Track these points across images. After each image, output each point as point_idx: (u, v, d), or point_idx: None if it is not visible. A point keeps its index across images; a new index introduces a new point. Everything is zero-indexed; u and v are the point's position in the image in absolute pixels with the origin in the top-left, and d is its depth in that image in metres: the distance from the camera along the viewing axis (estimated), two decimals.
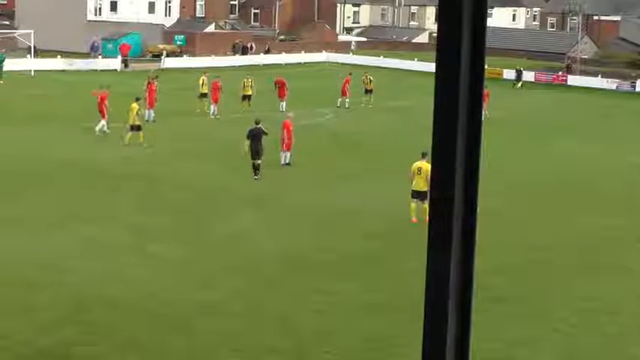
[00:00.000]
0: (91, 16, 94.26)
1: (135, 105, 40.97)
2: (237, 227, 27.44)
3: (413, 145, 38.92)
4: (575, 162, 40.68)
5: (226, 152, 38.70)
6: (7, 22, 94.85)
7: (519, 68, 76.82)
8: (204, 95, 50.87)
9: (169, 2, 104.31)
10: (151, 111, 47.16)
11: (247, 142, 34.15)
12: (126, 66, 76.40)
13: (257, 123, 34.65)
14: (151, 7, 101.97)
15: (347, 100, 55.81)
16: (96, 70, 73.28)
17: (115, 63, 76.74)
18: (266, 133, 34.36)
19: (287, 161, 36.81)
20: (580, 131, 50.60)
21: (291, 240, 26.35)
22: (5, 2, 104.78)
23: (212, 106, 49.80)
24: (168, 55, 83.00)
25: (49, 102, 53.44)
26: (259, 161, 34.09)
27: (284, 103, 51.59)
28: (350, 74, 57.89)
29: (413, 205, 28.33)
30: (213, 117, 48.84)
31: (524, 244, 26.80)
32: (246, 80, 52.39)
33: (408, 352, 17.60)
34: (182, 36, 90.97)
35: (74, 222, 27.12)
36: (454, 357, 2.62)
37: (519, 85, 73.71)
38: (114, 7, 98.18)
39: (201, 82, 51.21)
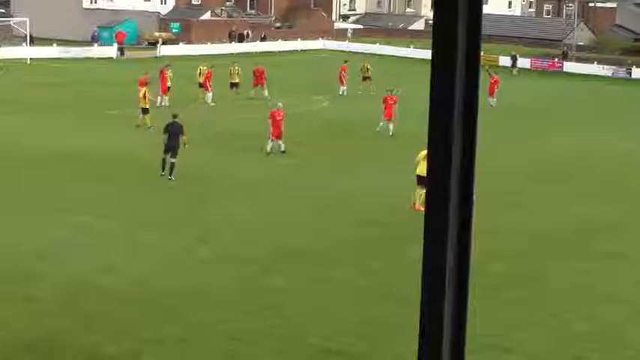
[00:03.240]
0: (86, 4, 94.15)
1: (143, 89, 42.06)
2: (231, 214, 27.41)
3: (409, 132, 38.99)
4: (570, 149, 40.67)
5: (221, 139, 38.81)
6: (3, 10, 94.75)
7: (514, 54, 76.84)
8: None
9: None
10: (165, 97, 47.71)
11: (164, 137, 31.78)
12: (122, 54, 76.27)
13: (174, 117, 32.47)
14: None
15: (344, 88, 55.88)
16: (92, 58, 73.17)
17: (111, 51, 76.65)
18: (182, 132, 31.81)
19: (282, 149, 36.66)
20: (575, 118, 50.59)
21: (287, 227, 26.33)
22: None
23: (207, 94, 49.96)
24: (164, 43, 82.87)
25: (45, 90, 53.30)
26: (173, 160, 31.42)
27: (265, 91, 51.89)
28: (346, 62, 57.85)
29: (419, 190, 27.53)
30: (213, 104, 49.04)
31: (519, 231, 26.82)
32: (232, 68, 52.74)
33: (403, 340, 17.62)
34: (178, 23, 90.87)
35: (69, 211, 27.08)
36: (451, 341, 2.62)
37: (515, 71, 73.72)
38: None
39: (198, 71, 51.50)
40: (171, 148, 31.54)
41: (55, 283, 20.88)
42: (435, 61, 2.56)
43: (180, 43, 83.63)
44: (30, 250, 23.18)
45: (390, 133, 41.23)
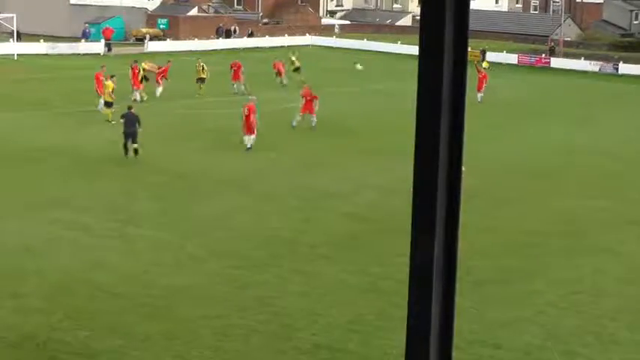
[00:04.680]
0: (74, 0, 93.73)
1: (110, 83, 42.12)
2: (219, 210, 27.38)
3: (394, 127, 39.00)
4: (558, 145, 40.72)
5: (202, 135, 39.02)
6: None
7: (483, 48, 76.25)
8: (202, 80, 52.16)
9: None
10: (138, 91, 47.81)
11: (122, 122, 34.76)
12: (109, 50, 75.96)
13: (129, 108, 35.52)
14: None
15: (284, 79, 55.97)
16: (79, 54, 72.93)
17: (99, 47, 76.35)
18: (139, 122, 34.27)
19: (250, 145, 36.21)
20: (563, 114, 50.67)
21: (275, 223, 26.31)
22: None
23: (158, 88, 50.36)
24: (151, 39, 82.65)
25: (32, 86, 53.06)
26: (135, 145, 33.85)
27: (242, 86, 52.13)
28: (280, 59, 58.30)
29: None
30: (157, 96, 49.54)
31: (506, 227, 26.86)
32: (197, 64, 53.03)
33: (391, 335, 17.65)
34: (165, 19, 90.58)
35: (57, 207, 27.01)
36: (438, 338, 2.62)
37: (484, 65, 73.04)
38: None
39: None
40: (130, 134, 34.14)
41: (43, 280, 20.83)
42: (422, 57, 2.56)
43: (168, 39, 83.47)
44: (17, 247, 23.11)
45: (313, 124, 41.58)
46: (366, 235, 25.35)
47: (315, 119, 41.63)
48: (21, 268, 21.58)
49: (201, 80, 52.31)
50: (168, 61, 52.52)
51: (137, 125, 34.25)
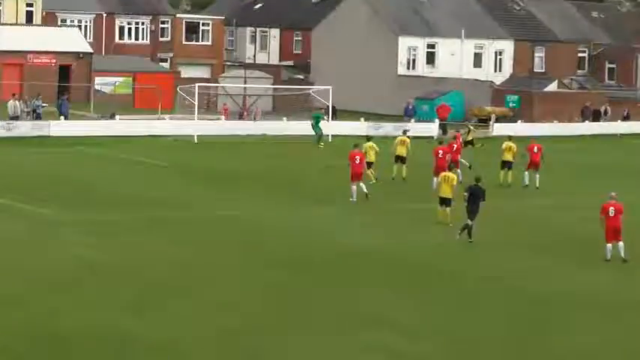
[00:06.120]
0: (402, 70, 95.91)
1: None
2: (585, 346, 25.83)
3: None
4: None
5: (557, 243, 38.74)
6: (302, 77, 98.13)
7: None
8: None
9: (500, 54, 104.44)
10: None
11: (465, 196, 37.81)
12: (444, 132, 75.91)
13: (477, 180, 38.40)
14: (477, 60, 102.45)
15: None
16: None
17: (431, 128, 76.74)
18: (483, 197, 37.43)
19: (607, 257, 34.61)
20: None
21: None
22: (300, 52, 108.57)
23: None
24: (497, 120, 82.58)
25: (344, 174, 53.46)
26: (470, 222, 37.12)
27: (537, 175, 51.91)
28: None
29: None
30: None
31: None
32: (510, 144, 52.87)
33: None
34: (515, 96, 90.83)
35: (373, 327, 26.45)
36: None
37: None
38: (431, 59, 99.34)
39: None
40: (472, 211, 37.27)
41: None
42: None
43: (519, 121, 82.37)
44: None
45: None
46: None
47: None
48: None
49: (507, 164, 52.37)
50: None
51: (481, 200, 37.32)
